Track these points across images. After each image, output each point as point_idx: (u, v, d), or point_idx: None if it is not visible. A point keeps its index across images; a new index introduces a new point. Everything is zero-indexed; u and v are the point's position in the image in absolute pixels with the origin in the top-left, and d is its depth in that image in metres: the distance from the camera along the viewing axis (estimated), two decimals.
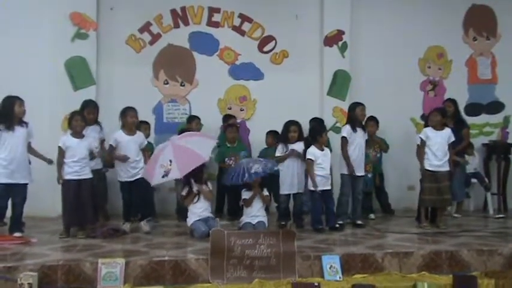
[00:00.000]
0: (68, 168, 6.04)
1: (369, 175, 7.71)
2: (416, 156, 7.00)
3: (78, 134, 6.16)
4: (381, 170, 8.07)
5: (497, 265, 5.34)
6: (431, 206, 6.92)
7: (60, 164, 6.07)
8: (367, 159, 7.44)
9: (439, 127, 6.84)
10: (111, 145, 6.47)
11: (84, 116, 6.38)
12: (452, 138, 6.85)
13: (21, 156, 6.04)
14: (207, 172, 6.77)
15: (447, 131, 6.85)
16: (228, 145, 7.70)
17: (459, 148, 7.52)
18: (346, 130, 6.95)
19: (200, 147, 6.09)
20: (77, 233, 6.08)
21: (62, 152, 6.07)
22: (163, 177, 5.88)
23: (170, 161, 5.84)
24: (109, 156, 6.59)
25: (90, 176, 6.19)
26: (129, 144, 6.45)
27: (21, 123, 6.12)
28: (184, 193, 6.35)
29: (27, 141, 6.15)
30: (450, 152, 6.86)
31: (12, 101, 6.06)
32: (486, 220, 7.74)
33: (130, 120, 6.50)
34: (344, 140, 6.92)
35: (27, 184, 6.11)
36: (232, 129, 7.77)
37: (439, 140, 6.77)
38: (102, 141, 6.88)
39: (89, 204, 6.10)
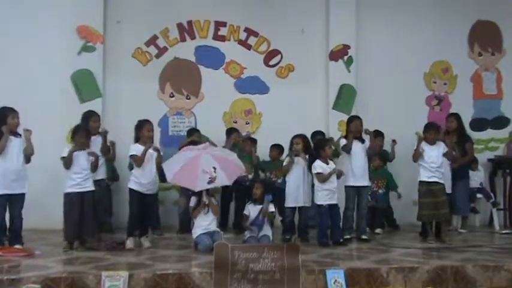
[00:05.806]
0: (70, 180, 5.96)
1: (380, 190, 7.74)
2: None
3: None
4: (396, 185, 7.94)
5: (503, 281, 5.28)
6: (430, 221, 6.88)
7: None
8: (382, 175, 7.68)
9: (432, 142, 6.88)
10: (131, 156, 6.19)
11: (89, 130, 6.30)
12: (446, 148, 6.87)
13: (18, 165, 5.92)
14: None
15: (439, 143, 6.88)
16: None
17: (462, 162, 7.47)
18: (342, 142, 7.04)
19: (236, 159, 6.39)
20: (78, 246, 6.02)
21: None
22: (209, 183, 5.95)
23: (214, 168, 5.92)
24: (138, 161, 6.15)
25: (93, 188, 6.10)
26: (148, 157, 6.14)
27: (15, 134, 5.96)
28: (192, 204, 6.23)
29: (22, 150, 5.96)
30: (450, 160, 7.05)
31: (5, 112, 5.92)
32: (492, 235, 7.69)
33: (146, 134, 6.21)
34: (343, 147, 6.98)
35: (24, 194, 6.00)
36: (246, 142, 7.79)
37: (434, 153, 6.79)
38: (109, 147, 6.71)
39: (91, 217, 6.02)
